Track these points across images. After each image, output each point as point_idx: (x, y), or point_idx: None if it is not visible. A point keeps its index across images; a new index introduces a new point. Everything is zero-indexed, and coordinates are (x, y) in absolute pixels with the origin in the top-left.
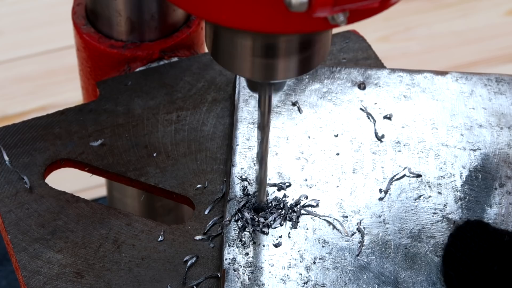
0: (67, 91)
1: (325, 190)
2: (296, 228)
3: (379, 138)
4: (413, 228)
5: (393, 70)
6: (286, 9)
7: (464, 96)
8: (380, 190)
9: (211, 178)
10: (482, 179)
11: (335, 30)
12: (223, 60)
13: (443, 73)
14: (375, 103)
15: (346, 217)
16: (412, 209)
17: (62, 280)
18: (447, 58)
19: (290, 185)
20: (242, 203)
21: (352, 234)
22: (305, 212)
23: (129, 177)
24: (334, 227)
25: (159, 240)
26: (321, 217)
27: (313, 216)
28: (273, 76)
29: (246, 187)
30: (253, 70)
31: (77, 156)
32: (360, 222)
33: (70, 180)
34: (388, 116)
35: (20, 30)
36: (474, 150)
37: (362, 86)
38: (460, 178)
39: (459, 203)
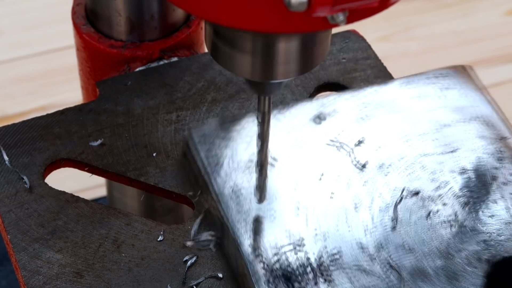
0: (67, 91)
1: (339, 236)
2: (334, 285)
3: (363, 167)
4: (439, 246)
5: (340, 94)
6: (285, 9)
7: (418, 101)
8: (392, 219)
9: None
10: (475, 177)
11: (334, 30)
12: (223, 60)
13: (385, 83)
14: (340, 133)
15: (374, 258)
16: (428, 228)
17: (62, 280)
18: (447, 58)
19: (303, 242)
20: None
21: (386, 271)
22: (334, 267)
23: (129, 177)
24: (367, 272)
25: (158, 240)
26: (353, 267)
27: (344, 268)
28: (272, 76)
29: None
30: (253, 70)
31: (76, 156)
32: (390, 257)
33: (70, 180)
34: (360, 141)
35: (20, 30)
36: (453, 151)
37: (321, 117)
38: (456, 183)
39: (467, 208)
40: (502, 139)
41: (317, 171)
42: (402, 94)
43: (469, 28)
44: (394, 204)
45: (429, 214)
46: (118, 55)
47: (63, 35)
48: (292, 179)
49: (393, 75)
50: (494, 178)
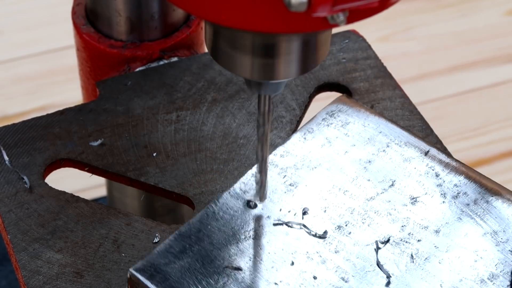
0: (67, 91)
1: None
2: None
3: (322, 236)
4: (442, 282)
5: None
6: (285, 9)
7: (328, 147)
8: (386, 276)
9: (210, 178)
10: (427, 201)
11: (334, 30)
12: (223, 60)
13: (285, 140)
14: (278, 211)
15: None
16: (421, 269)
17: (62, 280)
18: (447, 58)
19: None
20: None
21: None
22: None
23: (129, 177)
24: None
25: (154, 242)
26: None
27: None
28: (272, 76)
29: None
30: (253, 70)
31: (77, 156)
32: None
33: (70, 180)
34: (304, 211)
35: (20, 30)
36: (392, 185)
37: (252, 204)
38: (414, 214)
39: (439, 234)
40: (426, 154)
41: (285, 258)
42: (309, 147)
43: (469, 28)
44: (376, 262)
45: (411, 256)
46: (118, 55)
47: (63, 35)
48: (267, 276)
49: (393, 75)
50: (444, 195)
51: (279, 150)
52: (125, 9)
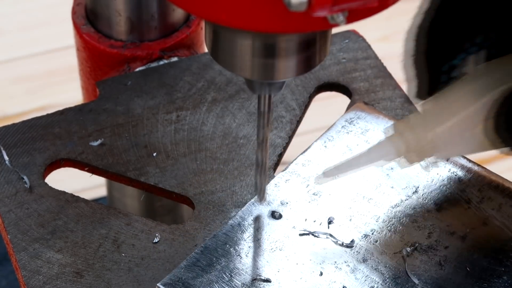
0: (67, 91)
1: None
2: None
3: (349, 246)
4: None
5: (279, 176)
6: (285, 9)
7: (350, 155)
8: (413, 285)
9: (210, 178)
10: (451, 206)
11: (334, 30)
12: (223, 60)
13: (305, 150)
14: (303, 222)
15: None
16: (450, 277)
17: (62, 280)
18: None
19: None
20: None
21: None
22: None
23: (129, 177)
24: None
25: (154, 242)
26: None
27: None
28: (273, 76)
29: None
30: (253, 70)
31: (77, 156)
32: None
33: (70, 180)
34: (330, 221)
35: (20, 30)
36: (415, 191)
37: (277, 214)
38: (440, 221)
39: (466, 239)
40: (448, 159)
41: (313, 269)
42: (331, 155)
43: None
44: (404, 271)
45: (440, 263)
46: (118, 55)
47: (63, 35)
48: (296, 287)
49: (393, 75)
50: (469, 201)
51: (301, 159)
52: (125, 9)
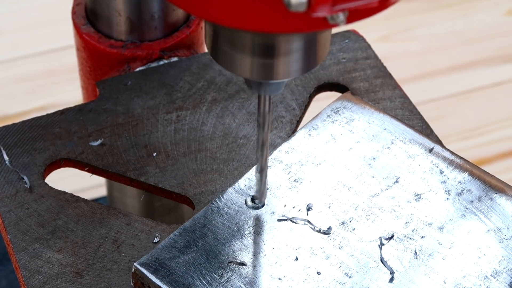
0: (67, 91)
1: None
2: None
3: (326, 232)
4: (445, 279)
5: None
6: (285, 9)
7: (333, 144)
8: (389, 273)
9: (210, 178)
10: (431, 197)
11: (334, 30)
12: (223, 60)
13: (290, 137)
14: (283, 207)
15: None
16: (425, 266)
17: (62, 280)
18: (447, 58)
19: None
20: None
21: None
22: None
23: (129, 177)
24: None
25: (154, 242)
26: None
27: None
28: (272, 76)
29: None
30: (253, 70)
31: (77, 156)
32: None
33: (70, 180)
34: (308, 207)
35: (20, 30)
36: (396, 181)
37: (255, 198)
38: (418, 210)
39: (443, 230)
40: (431, 151)
41: (289, 254)
42: (314, 143)
43: (469, 28)
44: (380, 258)
45: (415, 252)
46: (118, 55)
47: (63, 35)
48: (271, 271)
49: (393, 75)
50: (448, 192)
51: (284, 146)
52: (125, 9)
